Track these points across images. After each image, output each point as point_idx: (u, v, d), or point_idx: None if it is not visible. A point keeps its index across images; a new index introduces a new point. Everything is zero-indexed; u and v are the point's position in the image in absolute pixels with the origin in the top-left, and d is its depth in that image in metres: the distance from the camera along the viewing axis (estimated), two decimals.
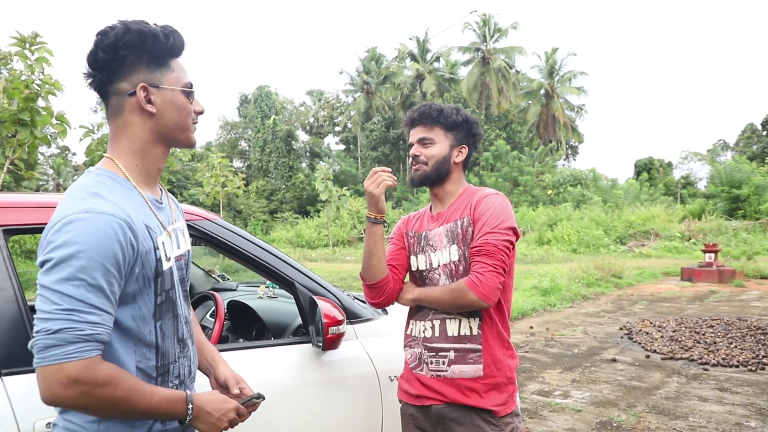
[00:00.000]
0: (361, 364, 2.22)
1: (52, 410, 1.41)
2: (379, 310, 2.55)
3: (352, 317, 2.26)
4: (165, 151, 1.29)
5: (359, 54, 53.63)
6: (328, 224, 29.17)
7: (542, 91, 40.93)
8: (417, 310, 1.97)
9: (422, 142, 1.92)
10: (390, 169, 1.90)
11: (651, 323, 7.81)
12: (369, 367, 2.23)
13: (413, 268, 1.99)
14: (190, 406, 1.20)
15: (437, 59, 46.01)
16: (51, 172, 39.55)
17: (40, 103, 7.36)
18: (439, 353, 1.87)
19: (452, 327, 1.86)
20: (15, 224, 1.63)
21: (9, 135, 7.33)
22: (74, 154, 43.87)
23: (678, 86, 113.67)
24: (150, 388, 1.15)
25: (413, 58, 45.72)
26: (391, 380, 2.26)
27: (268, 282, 3.14)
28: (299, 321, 2.53)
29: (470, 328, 1.84)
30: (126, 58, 1.19)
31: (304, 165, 47.90)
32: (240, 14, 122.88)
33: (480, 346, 1.83)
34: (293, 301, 2.87)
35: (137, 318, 1.17)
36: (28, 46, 7.10)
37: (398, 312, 2.72)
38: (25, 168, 8.14)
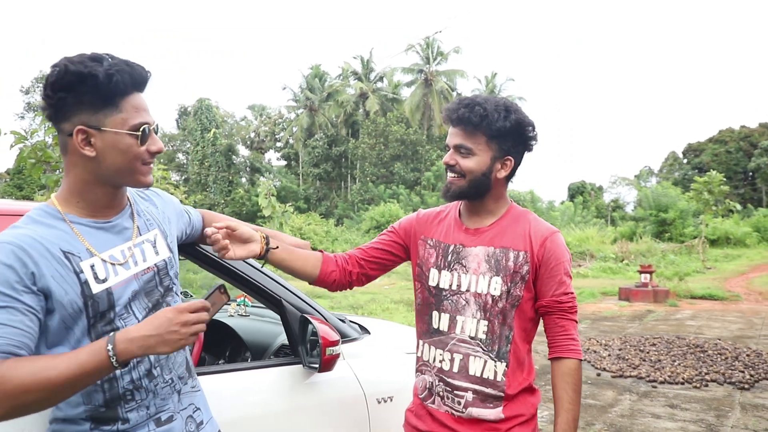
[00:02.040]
0: (349, 387, 2.12)
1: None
2: (359, 330, 2.46)
3: (341, 337, 2.15)
4: (112, 191, 1.29)
5: (303, 71, 53.44)
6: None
7: None
8: (431, 333, 1.70)
9: (459, 149, 1.61)
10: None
11: (597, 342, 8.02)
12: (357, 389, 2.13)
13: (431, 284, 1.69)
14: (109, 347, 1.13)
15: (381, 79, 46.55)
16: None
17: None
18: (456, 391, 1.63)
19: (475, 366, 1.62)
20: None
21: None
22: None
23: (607, 113, 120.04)
24: (64, 356, 1.13)
25: (357, 77, 46.05)
26: (379, 403, 2.16)
27: (239, 299, 2.98)
28: (280, 340, 2.39)
29: (495, 372, 1.61)
30: (65, 99, 1.18)
31: (244, 180, 46.96)
32: (181, 24, 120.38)
33: (502, 394, 1.61)
34: (270, 319, 2.73)
35: (72, 339, 1.20)
36: None
37: (382, 330, 2.63)
38: None
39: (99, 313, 1.23)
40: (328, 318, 2.13)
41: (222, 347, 2.52)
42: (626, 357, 6.95)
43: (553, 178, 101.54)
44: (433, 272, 1.70)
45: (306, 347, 1.96)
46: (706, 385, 5.72)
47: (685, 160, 50.74)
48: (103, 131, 1.21)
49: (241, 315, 2.87)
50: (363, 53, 54.71)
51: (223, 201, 42.14)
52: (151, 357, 1.32)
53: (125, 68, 1.21)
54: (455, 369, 1.64)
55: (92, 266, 1.24)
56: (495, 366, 1.61)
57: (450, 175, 1.65)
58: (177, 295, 1.45)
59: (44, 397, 1.10)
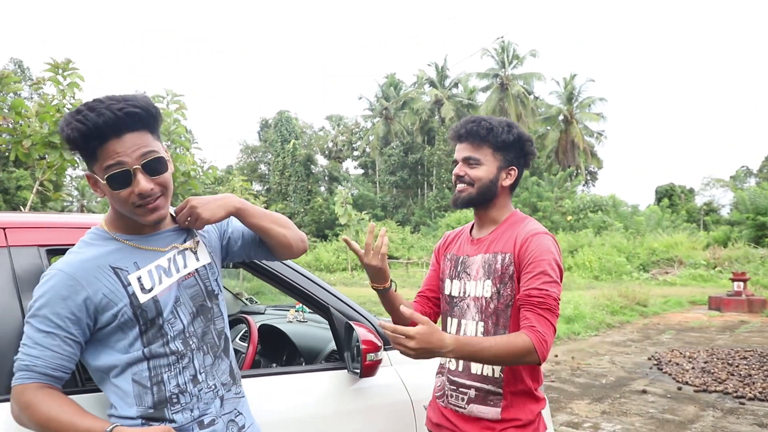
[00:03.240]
0: (395, 392, 2.16)
1: None
2: None
3: (386, 343, 2.21)
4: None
5: (378, 80, 54.28)
6: (347, 248, 29.12)
7: (561, 117, 40.88)
8: None
9: (468, 161, 1.77)
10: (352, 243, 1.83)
11: (681, 353, 7.60)
12: (404, 395, 2.17)
13: (446, 292, 1.87)
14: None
15: (456, 85, 46.32)
16: (76, 193, 40.25)
17: None
18: (460, 388, 1.78)
19: (476, 365, 1.76)
20: (57, 244, 1.63)
21: (39, 157, 7.48)
22: None
23: (699, 112, 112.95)
24: (71, 418, 1.25)
25: (432, 84, 46.08)
26: (426, 409, 2.19)
27: (297, 306, 3.11)
28: (332, 346, 2.48)
29: (493, 369, 1.73)
30: (74, 150, 1.33)
31: (322, 189, 48.17)
32: (262, 40, 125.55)
33: (501, 390, 1.71)
34: (325, 325, 2.84)
35: (127, 345, 1.34)
36: (60, 71, 7.30)
37: None
38: (53, 189, 8.28)
39: (149, 321, 1.36)
40: (376, 325, 2.19)
41: (279, 352, 2.65)
42: (712, 370, 6.54)
43: (639, 181, 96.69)
44: (447, 282, 1.87)
45: (352, 353, 2.02)
46: None
47: None
48: (96, 177, 1.33)
49: (300, 321, 2.99)
50: (437, 60, 54.70)
51: (302, 210, 43.43)
52: (196, 363, 1.42)
53: (79, 124, 1.24)
54: (460, 368, 1.79)
55: (139, 278, 1.36)
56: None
57: (459, 185, 1.80)
58: (221, 300, 1.54)
59: None
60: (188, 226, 1.49)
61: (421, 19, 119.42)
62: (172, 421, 1.38)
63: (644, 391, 5.81)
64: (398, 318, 1.86)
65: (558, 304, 1.62)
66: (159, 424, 1.37)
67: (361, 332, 1.94)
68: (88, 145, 1.28)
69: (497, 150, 1.76)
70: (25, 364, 1.28)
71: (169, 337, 1.38)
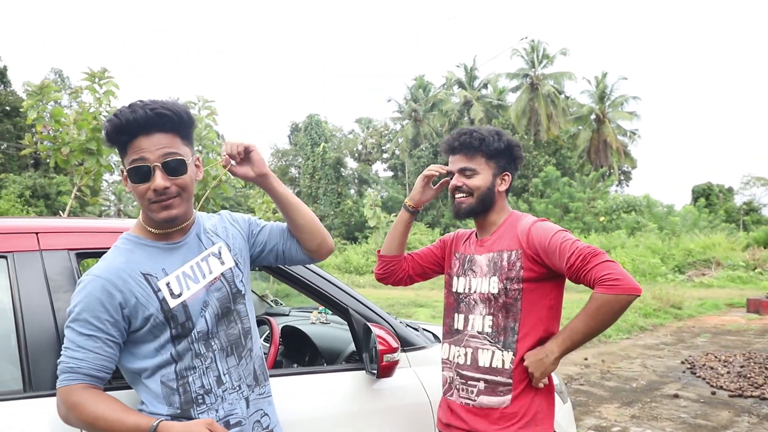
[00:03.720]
0: (414, 393, 2.19)
1: None
2: (432, 338, 2.52)
3: (406, 345, 2.24)
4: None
5: (407, 82, 54.33)
6: (377, 250, 29.13)
7: (593, 116, 40.21)
8: (452, 333, 1.94)
9: (464, 172, 1.88)
10: (444, 168, 1.96)
11: (716, 357, 7.41)
12: (422, 396, 2.20)
13: (453, 289, 1.97)
14: (152, 427, 1.32)
15: (485, 86, 46.00)
16: (113, 198, 41.37)
17: None
18: (469, 381, 1.85)
19: (484, 357, 1.82)
20: (86, 248, 1.71)
21: (77, 163, 7.75)
22: None
23: (738, 108, 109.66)
24: (118, 415, 1.33)
25: (461, 85, 45.87)
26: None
27: (320, 308, 3.16)
28: (352, 347, 2.52)
29: (503, 361, 1.79)
30: (110, 144, 1.41)
31: (352, 191, 48.39)
32: (292, 44, 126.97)
33: (510, 380, 1.78)
34: (346, 327, 2.88)
35: (157, 348, 1.41)
36: (97, 80, 7.56)
37: None
38: (91, 194, 8.54)
39: (179, 325, 1.42)
40: (395, 326, 2.23)
41: (301, 353, 2.70)
42: (749, 375, 6.36)
43: (675, 180, 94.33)
44: (455, 280, 1.98)
45: (370, 354, 2.06)
46: None
47: None
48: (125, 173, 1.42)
49: (322, 323, 3.05)
50: (467, 61, 54.44)
51: (332, 212, 43.70)
52: (220, 365, 1.48)
53: (116, 118, 1.35)
54: (468, 362, 1.86)
55: (168, 284, 1.43)
56: (502, 355, 1.79)
57: (458, 196, 1.91)
58: (247, 300, 1.59)
59: None
60: (233, 153, 1.53)
61: (450, 21, 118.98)
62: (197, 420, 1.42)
63: (676, 396, 5.70)
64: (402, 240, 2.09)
65: (591, 246, 1.67)
66: None
67: (379, 333, 1.98)
68: (119, 139, 1.38)
69: (490, 158, 1.87)
70: (69, 366, 1.34)
71: (194, 339, 1.44)
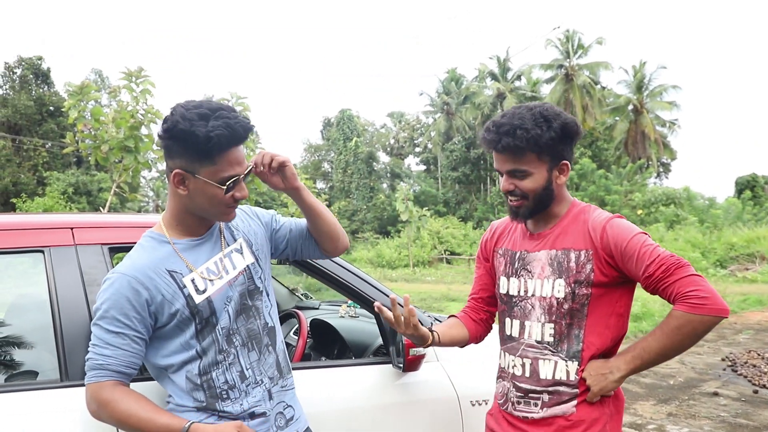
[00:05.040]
0: (441, 388, 2.19)
1: None
2: None
3: None
4: (201, 219, 1.51)
5: (439, 75, 54.04)
6: (409, 244, 29.22)
7: (630, 107, 39.24)
8: (506, 340, 1.74)
9: (514, 174, 1.61)
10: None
11: (758, 355, 7.17)
12: (450, 390, 2.19)
13: (502, 291, 1.74)
14: (184, 429, 1.36)
15: (518, 77, 45.38)
16: (151, 194, 42.45)
17: (143, 131, 7.98)
18: (530, 395, 1.64)
19: (545, 369, 1.62)
20: (119, 242, 1.76)
21: (116, 161, 7.98)
22: None
23: None
24: (150, 414, 1.36)
25: (494, 77, 45.36)
26: (473, 405, 2.21)
27: (350, 301, 3.19)
28: (380, 341, 2.53)
29: (567, 372, 1.59)
30: (171, 146, 1.40)
31: (385, 186, 48.50)
32: (324, 40, 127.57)
33: (577, 390, 1.59)
34: (374, 321, 2.90)
35: (183, 343, 1.45)
36: (134, 79, 7.76)
37: None
38: (129, 190, 8.79)
39: (204, 320, 1.46)
40: (422, 320, 2.23)
41: (330, 346, 2.73)
42: None
43: (717, 172, 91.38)
44: (503, 280, 1.74)
45: (397, 347, 2.07)
46: None
47: None
48: (196, 177, 1.40)
49: (351, 316, 3.07)
50: (499, 53, 53.80)
51: (365, 207, 43.89)
52: (242, 360, 1.51)
53: (224, 131, 1.36)
54: (527, 374, 1.65)
55: (192, 280, 1.46)
56: (567, 366, 1.60)
57: (512, 199, 1.65)
58: (266, 297, 1.62)
59: (127, 429, 1.40)
60: (265, 165, 1.55)
61: (483, 12, 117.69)
62: (222, 412, 1.47)
63: (716, 393, 5.54)
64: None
65: (675, 256, 1.48)
66: (214, 414, 1.47)
67: None
68: (213, 149, 1.37)
69: (543, 153, 1.57)
70: (98, 363, 1.37)
71: (218, 335, 1.48)
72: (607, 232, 1.55)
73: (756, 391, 5.59)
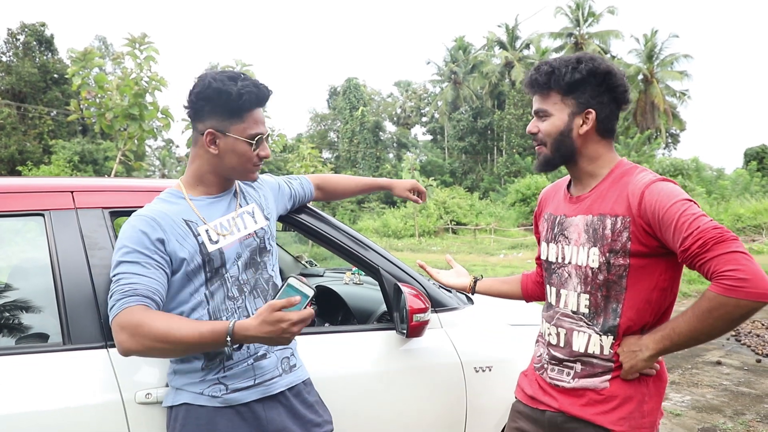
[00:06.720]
0: (445, 354, 2.19)
1: (152, 382, 1.52)
2: (464, 299, 2.49)
3: (438, 306, 2.22)
4: (223, 179, 1.60)
5: (447, 44, 53.24)
6: (415, 214, 29.23)
7: (640, 77, 38.62)
8: (546, 307, 1.68)
9: (538, 114, 1.55)
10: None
11: (763, 324, 7.19)
12: (454, 357, 2.19)
13: (543, 257, 1.67)
14: (228, 338, 1.33)
15: (527, 46, 44.66)
16: (157, 163, 42.47)
17: (148, 98, 7.90)
18: (563, 363, 1.58)
19: (579, 341, 1.54)
20: (120, 206, 1.75)
21: (121, 129, 7.93)
22: (177, 146, 46.75)
23: None
24: (191, 324, 1.36)
25: (502, 46, 44.67)
26: (477, 372, 2.21)
27: (354, 269, 3.18)
28: (384, 307, 2.53)
29: (601, 346, 1.51)
30: (203, 107, 1.50)
31: (391, 155, 48.32)
32: (330, 8, 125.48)
33: (611, 365, 1.50)
34: (378, 287, 2.90)
35: (192, 291, 1.49)
36: (137, 45, 7.65)
37: (485, 301, 2.66)
38: (135, 159, 8.76)
39: (214, 269, 1.52)
40: (426, 287, 2.21)
41: (334, 313, 2.74)
42: None
43: (727, 143, 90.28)
44: (543, 246, 1.67)
45: (401, 314, 2.06)
46: None
47: None
48: (227, 136, 1.51)
49: (355, 283, 3.07)
50: (508, 21, 52.83)
51: (371, 176, 43.75)
52: (249, 306, 1.58)
53: (253, 89, 1.49)
54: (561, 344, 1.59)
55: (207, 231, 1.54)
56: (601, 340, 1.51)
57: (536, 146, 1.59)
58: (272, 255, 1.71)
59: (167, 348, 1.36)
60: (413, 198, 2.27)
61: None
62: (229, 356, 1.53)
63: (719, 363, 5.57)
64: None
65: (721, 227, 1.31)
66: (218, 359, 1.52)
67: (408, 293, 1.97)
68: (243, 106, 1.49)
69: (566, 94, 1.49)
70: (125, 291, 1.36)
71: (228, 284, 1.55)
72: (645, 197, 1.40)
73: (759, 360, 5.61)
